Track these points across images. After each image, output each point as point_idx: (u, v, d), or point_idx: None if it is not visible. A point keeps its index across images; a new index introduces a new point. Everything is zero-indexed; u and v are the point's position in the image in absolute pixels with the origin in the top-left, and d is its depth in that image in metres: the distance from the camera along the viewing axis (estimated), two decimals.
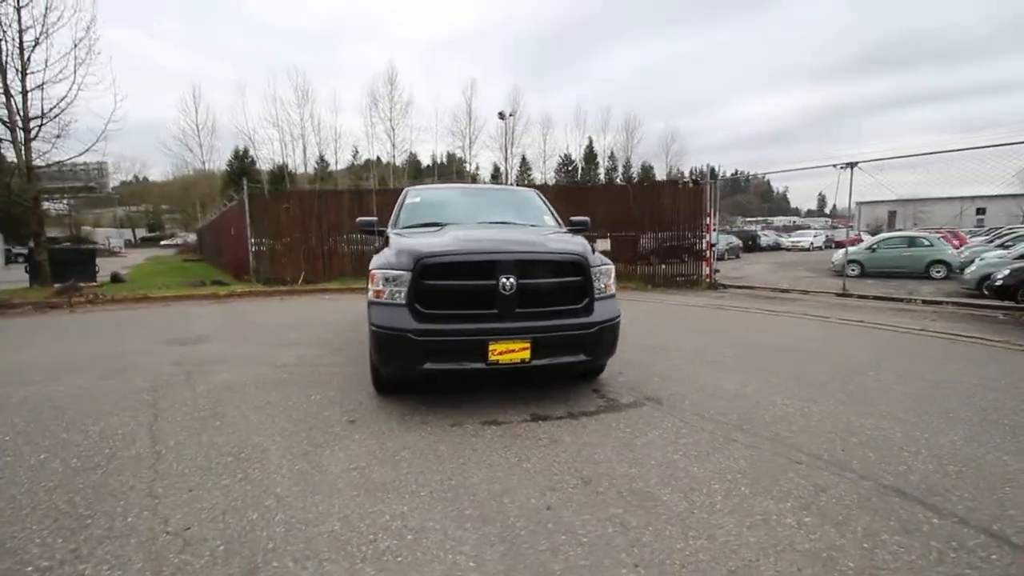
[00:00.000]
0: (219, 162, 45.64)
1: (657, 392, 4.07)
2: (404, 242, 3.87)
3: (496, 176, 47.50)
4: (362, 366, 5.06)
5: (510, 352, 3.43)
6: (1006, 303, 8.88)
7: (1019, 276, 9.10)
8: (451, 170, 50.90)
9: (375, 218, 5.01)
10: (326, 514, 2.35)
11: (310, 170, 45.46)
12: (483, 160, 52.32)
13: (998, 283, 9.46)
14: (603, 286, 3.82)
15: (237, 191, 15.29)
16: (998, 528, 2.18)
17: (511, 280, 3.46)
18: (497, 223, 4.69)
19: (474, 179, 46.59)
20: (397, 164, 46.63)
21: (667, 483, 2.59)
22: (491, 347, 3.40)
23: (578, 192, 18.02)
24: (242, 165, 40.91)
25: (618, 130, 54.13)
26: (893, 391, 4.09)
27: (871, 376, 4.50)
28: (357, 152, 51.33)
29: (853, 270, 15.95)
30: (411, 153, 47.15)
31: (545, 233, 4.21)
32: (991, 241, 16.95)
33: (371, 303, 3.70)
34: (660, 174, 50.62)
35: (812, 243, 32.01)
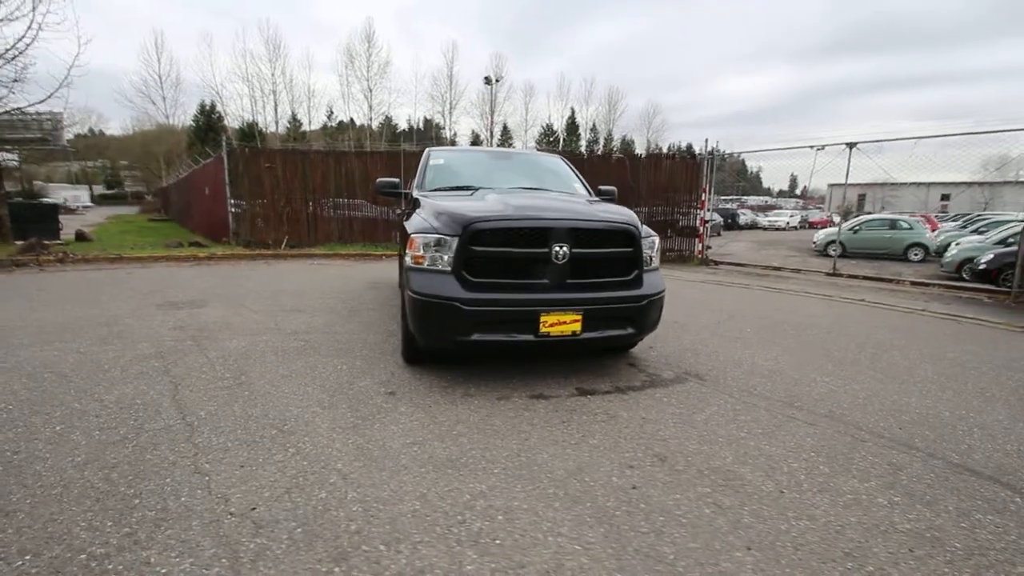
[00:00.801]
0: (184, 117, 43.15)
1: (695, 368, 4.01)
2: (443, 205, 3.63)
3: (477, 143, 46.46)
4: (379, 334, 4.86)
5: (561, 324, 3.28)
6: (989, 287, 9.21)
7: (1001, 261, 9.43)
8: (428, 136, 49.57)
9: (397, 179, 4.73)
10: (400, 492, 2.20)
11: (282, 129, 43.49)
12: (463, 127, 51.07)
13: (981, 267, 9.80)
14: (649, 258, 3.69)
15: (213, 148, 14.43)
16: None
17: (564, 249, 3.29)
18: (531, 188, 4.48)
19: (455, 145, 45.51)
20: (374, 127, 45.03)
21: (744, 461, 2.53)
22: (542, 318, 3.24)
23: (574, 161, 17.71)
24: (209, 121, 38.74)
25: (601, 102, 53.65)
26: (923, 370, 4.14)
27: (897, 355, 4.56)
28: (332, 113, 49.34)
29: (834, 250, 16.34)
30: (386, 117, 45.51)
31: (590, 201, 4.04)
32: (964, 227, 17.58)
33: (409, 269, 3.48)
34: (640, 148, 50.48)
35: (788, 223, 32.68)
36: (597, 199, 4.50)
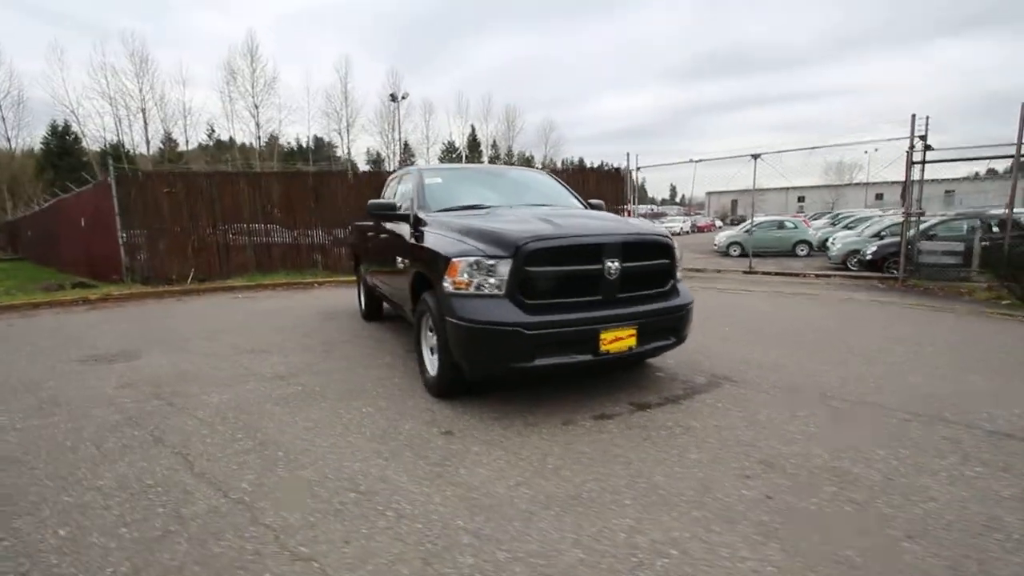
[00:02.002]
0: (30, 140, 36.93)
1: (717, 370, 4.17)
2: (477, 225, 3.45)
3: (378, 162, 45.16)
4: (378, 369, 4.47)
5: (618, 340, 3.24)
6: (877, 274, 10.74)
7: (884, 251, 11.06)
8: (323, 155, 47.32)
9: (393, 201, 4.41)
10: (550, 542, 2.00)
11: (154, 150, 38.96)
12: (360, 145, 49.38)
13: (868, 257, 11.41)
14: (679, 268, 3.79)
15: (69, 173, 12.49)
16: None
17: (616, 264, 3.27)
18: (539, 205, 4.40)
19: (355, 165, 43.81)
20: (263, 145, 41.98)
21: (838, 456, 2.66)
22: (602, 336, 3.18)
23: None
24: (63, 144, 33.54)
25: (499, 119, 54.88)
26: (893, 351, 4.68)
27: (863, 340, 5.11)
28: (213, 131, 45.21)
29: (735, 250, 18.12)
30: (271, 135, 42.55)
31: (615, 217, 4.07)
32: (834, 224, 20.40)
33: (452, 295, 3.23)
34: (539, 162, 52.33)
35: (682, 228, 35.73)
36: (600, 213, 4.55)
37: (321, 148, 49.34)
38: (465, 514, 2.21)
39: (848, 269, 12.64)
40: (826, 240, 16.32)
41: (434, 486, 2.45)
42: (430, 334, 3.82)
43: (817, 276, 11.22)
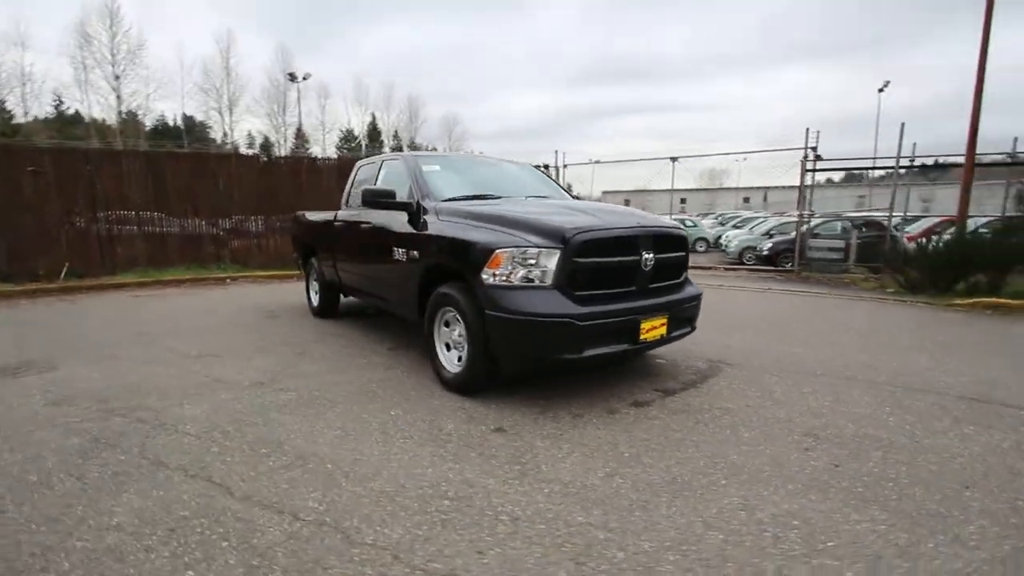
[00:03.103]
0: None
1: (709, 355, 4.45)
2: (513, 214, 3.37)
3: (267, 147, 41.44)
4: (374, 370, 4.17)
5: (654, 329, 3.34)
6: (772, 267, 12.17)
7: (778, 247, 12.56)
8: (197, 135, 42.47)
9: (391, 188, 4.10)
10: (685, 527, 2.02)
11: None
12: (244, 128, 44.91)
13: (765, 253, 12.88)
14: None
15: None
16: None
17: (651, 255, 3.36)
18: (543, 197, 4.37)
19: (237, 148, 39.76)
20: (121, 119, 36.44)
21: (863, 425, 2.99)
22: (643, 325, 3.26)
23: None
24: None
25: (402, 109, 53.06)
26: (843, 335, 5.36)
27: (814, 326, 5.78)
28: (62, 102, 38.33)
29: None
30: (129, 111, 37.06)
31: (633, 210, 4.17)
32: (723, 223, 22.70)
33: (496, 287, 3.10)
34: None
35: None
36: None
37: (194, 128, 44.11)
38: (580, 510, 2.15)
39: (744, 264, 14.16)
40: (719, 237, 18.13)
41: (527, 484, 2.35)
42: (446, 329, 3.64)
43: (726, 270, 12.45)
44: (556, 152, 13.36)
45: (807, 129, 10.65)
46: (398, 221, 4.13)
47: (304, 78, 30.92)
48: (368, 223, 4.62)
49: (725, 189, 53.04)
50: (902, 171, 10.34)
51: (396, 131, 52.99)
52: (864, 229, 11.56)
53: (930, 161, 10.62)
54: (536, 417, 3.12)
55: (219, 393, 3.62)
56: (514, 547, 1.91)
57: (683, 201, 54.62)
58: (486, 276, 3.14)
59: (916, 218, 13.80)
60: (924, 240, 8.03)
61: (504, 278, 3.09)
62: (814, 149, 10.99)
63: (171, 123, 44.68)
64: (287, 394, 3.59)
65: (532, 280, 3.07)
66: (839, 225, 12.32)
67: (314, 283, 6.42)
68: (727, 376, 3.90)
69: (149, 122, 40.76)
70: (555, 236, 3.09)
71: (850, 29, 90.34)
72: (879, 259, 10.11)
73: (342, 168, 11.93)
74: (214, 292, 8.81)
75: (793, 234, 11.78)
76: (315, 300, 6.35)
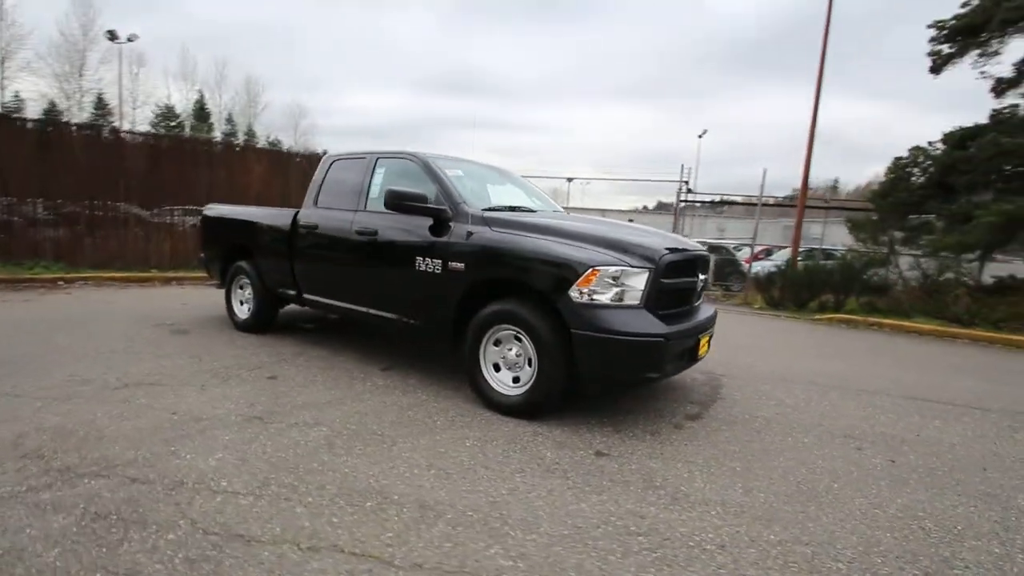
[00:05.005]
0: None
1: (700, 368, 4.85)
2: (593, 231, 3.34)
3: (54, 113, 32.95)
4: (388, 394, 3.72)
5: (704, 346, 3.57)
6: None
7: None
8: None
9: (421, 192, 3.67)
10: (849, 531, 2.20)
11: None
12: (20, 87, 35.18)
13: None
14: None
15: None
16: None
17: (703, 276, 3.59)
18: (556, 210, 4.35)
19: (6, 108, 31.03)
20: None
21: (875, 424, 3.57)
22: (701, 342, 3.45)
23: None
24: None
25: (238, 91, 47.07)
26: (761, 347, 6.27)
27: (741, 338, 6.65)
28: None
29: None
30: None
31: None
32: None
33: (589, 306, 3.00)
34: (287, 148, 47.15)
35: None
36: None
37: None
38: (762, 528, 2.20)
39: None
40: None
41: (693, 509, 2.32)
42: (495, 348, 3.41)
43: None
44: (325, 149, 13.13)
45: (681, 165, 12.29)
46: (421, 228, 3.73)
47: (129, 40, 25.25)
48: (369, 229, 4.06)
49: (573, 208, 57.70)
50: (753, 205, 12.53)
51: (231, 114, 46.89)
52: (714, 253, 13.71)
53: (781, 198, 13.02)
54: (620, 438, 3.09)
55: (215, 434, 2.85)
56: (749, 574, 1.89)
57: None
58: (575, 294, 3.02)
59: (745, 246, 16.76)
60: (785, 266, 9.84)
61: (593, 296, 3.01)
62: (686, 182, 12.71)
63: None
64: (315, 430, 2.98)
65: (621, 299, 3.05)
66: None
67: (241, 291, 5.39)
68: (734, 386, 4.31)
69: None
70: (646, 256, 3.12)
71: (666, 77, 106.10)
72: (727, 279, 12.18)
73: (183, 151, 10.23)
74: (53, 299, 6.80)
75: None
76: (244, 311, 5.33)
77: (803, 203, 11.31)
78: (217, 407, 3.25)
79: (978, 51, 9.45)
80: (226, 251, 5.48)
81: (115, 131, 9.80)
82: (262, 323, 5.21)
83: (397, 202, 3.62)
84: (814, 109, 10.93)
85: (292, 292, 4.85)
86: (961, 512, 2.44)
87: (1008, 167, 7.84)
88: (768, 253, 15.58)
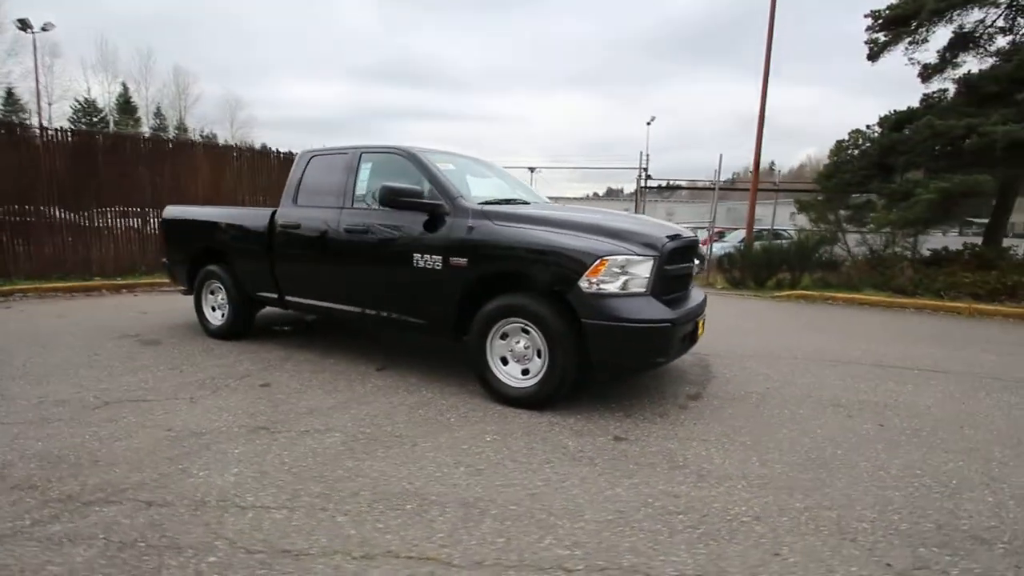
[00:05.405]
0: None
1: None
2: (593, 221, 3.36)
3: None
4: (393, 394, 3.68)
5: (701, 329, 3.70)
6: None
7: None
8: None
9: (417, 187, 3.59)
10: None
11: None
12: None
13: None
14: None
15: None
16: None
17: (696, 261, 3.71)
18: (546, 201, 4.36)
19: None
20: None
21: (873, 393, 3.81)
22: (699, 325, 3.58)
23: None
24: None
25: (166, 83, 44.12)
26: (761, 326, 6.56)
27: (722, 319, 6.90)
28: None
29: None
30: None
31: None
32: None
33: (598, 295, 3.05)
34: (223, 141, 44.74)
35: None
36: None
37: None
38: (788, 497, 2.32)
39: None
40: None
41: (720, 486, 2.41)
42: (501, 342, 3.42)
43: None
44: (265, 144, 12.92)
45: (640, 152, 12.56)
46: (415, 224, 3.66)
47: (44, 28, 22.73)
48: (358, 227, 3.94)
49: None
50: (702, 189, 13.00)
51: (159, 107, 43.95)
52: None
53: (728, 184, 13.54)
54: (633, 422, 3.17)
55: (222, 448, 2.72)
56: (792, 541, 2.00)
57: None
58: (584, 284, 3.06)
59: (700, 229, 17.40)
60: (742, 247, 10.29)
61: (601, 286, 3.06)
62: (645, 169, 13.02)
63: None
64: (329, 436, 2.89)
65: (628, 288, 3.11)
66: None
67: (213, 297, 5.12)
68: (724, 365, 4.49)
69: None
70: (649, 244, 3.19)
71: (614, 66, 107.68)
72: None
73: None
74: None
75: None
76: (217, 318, 5.07)
77: (755, 186, 11.85)
78: (215, 420, 3.10)
79: (909, 39, 10.14)
80: (193, 255, 5.17)
81: (43, 128, 8.95)
82: (239, 329, 4.97)
83: (392, 198, 3.53)
84: (762, 96, 11.43)
85: (272, 295, 4.66)
86: (952, 468, 2.67)
87: (939, 147, 8.49)
88: (720, 235, 16.25)
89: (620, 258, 3.06)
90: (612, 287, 3.07)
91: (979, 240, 9.92)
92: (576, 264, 3.07)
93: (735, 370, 4.37)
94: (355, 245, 3.98)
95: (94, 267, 9.07)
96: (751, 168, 11.77)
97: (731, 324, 6.50)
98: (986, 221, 10.04)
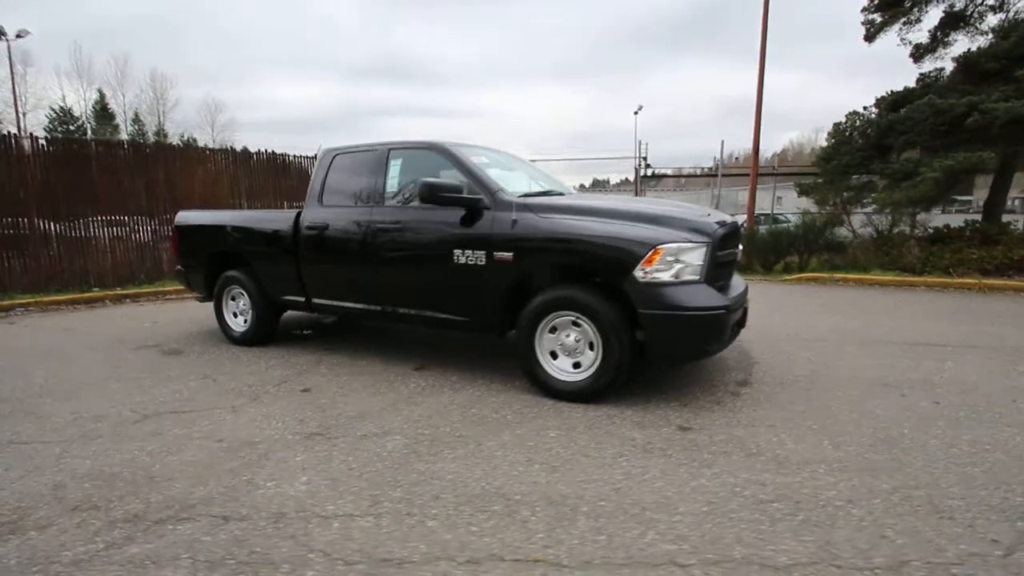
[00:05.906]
0: None
1: None
2: (631, 208, 3.30)
3: None
4: (437, 394, 3.60)
5: (746, 314, 3.67)
6: None
7: None
8: None
9: (456, 183, 3.51)
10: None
11: None
12: None
13: None
14: None
15: None
16: None
17: (740, 247, 3.68)
18: (573, 190, 4.30)
19: None
20: None
21: (906, 372, 3.82)
22: (746, 311, 3.55)
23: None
24: None
25: (143, 88, 43.07)
26: (773, 307, 6.56)
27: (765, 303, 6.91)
28: None
29: None
30: None
31: None
32: None
33: (651, 284, 2.99)
34: (203, 144, 43.84)
35: None
36: None
37: None
38: (872, 480, 2.30)
39: None
40: None
41: (801, 472, 2.38)
42: (550, 336, 3.36)
43: None
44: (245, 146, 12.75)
45: (638, 141, 12.53)
46: (452, 220, 3.58)
47: (18, 35, 21.84)
48: (393, 225, 3.85)
49: None
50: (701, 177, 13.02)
51: (137, 113, 42.94)
52: None
53: (727, 171, 13.58)
54: (692, 411, 3.13)
55: (283, 456, 2.64)
56: (893, 523, 1.98)
57: None
58: (639, 273, 3.00)
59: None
60: (752, 230, 10.31)
61: (656, 275, 3.01)
62: (644, 158, 12.99)
63: None
64: (390, 440, 2.82)
65: (681, 276, 3.06)
66: None
67: (234, 303, 4.99)
68: (759, 350, 4.48)
69: None
70: (701, 230, 3.14)
71: (599, 56, 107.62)
72: None
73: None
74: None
75: None
76: (240, 324, 4.94)
77: (755, 170, 11.89)
78: (264, 428, 3.01)
79: (904, 19, 10.21)
80: (211, 260, 5.03)
81: (33, 138, 8.66)
82: (264, 335, 4.85)
83: (433, 194, 3.44)
84: (759, 79, 11.44)
85: (299, 299, 4.55)
86: (1020, 441, 2.68)
87: (943, 125, 8.56)
88: None
89: (675, 246, 3.01)
90: (666, 275, 3.02)
91: (965, 217, 10.06)
92: (632, 254, 3.02)
93: (774, 354, 4.36)
94: (389, 244, 3.89)
95: (92, 278, 8.83)
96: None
97: (752, 308, 6.49)
98: (969, 198, 10.18)
